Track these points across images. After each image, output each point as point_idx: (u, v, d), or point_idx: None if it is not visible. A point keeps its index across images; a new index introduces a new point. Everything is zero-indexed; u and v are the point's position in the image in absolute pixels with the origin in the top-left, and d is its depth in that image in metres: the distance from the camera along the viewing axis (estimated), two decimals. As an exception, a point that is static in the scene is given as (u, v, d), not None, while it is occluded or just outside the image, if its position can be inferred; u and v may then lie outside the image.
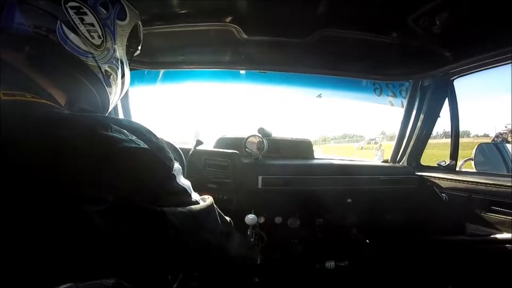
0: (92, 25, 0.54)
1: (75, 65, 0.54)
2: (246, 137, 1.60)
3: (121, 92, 0.70)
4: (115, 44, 0.60)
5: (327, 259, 1.66)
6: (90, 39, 0.54)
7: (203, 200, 0.65)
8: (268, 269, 1.46)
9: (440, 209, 1.53)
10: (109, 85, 0.61)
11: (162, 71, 1.75)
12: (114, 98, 0.67)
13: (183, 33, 1.29)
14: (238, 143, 1.62)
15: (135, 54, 0.76)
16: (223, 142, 1.79)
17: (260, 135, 1.58)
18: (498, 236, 1.24)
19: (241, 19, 1.22)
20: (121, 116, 1.63)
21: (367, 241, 1.77)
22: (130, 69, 1.60)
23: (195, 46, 1.47)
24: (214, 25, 1.24)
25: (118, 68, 0.63)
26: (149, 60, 1.59)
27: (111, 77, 0.61)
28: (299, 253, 1.64)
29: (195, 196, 0.61)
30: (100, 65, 0.57)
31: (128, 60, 0.70)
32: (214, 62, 1.66)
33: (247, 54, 1.53)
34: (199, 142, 1.45)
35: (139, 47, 0.76)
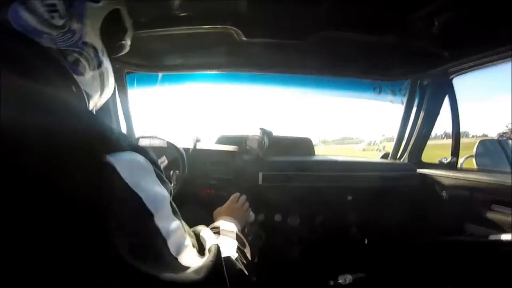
0: (53, 5, 0.47)
1: (30, 47, 0.46)
2: (246, 135, 1.62)
3: (103, 86, 0.60)
4: (83, 26, 0.52)
5: (333, 264, 1.67)
6: (49, 19, 0.47)
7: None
8: (266, 267, 1.47)
9: (441, 206, 1.53)
10: (78, 73, 0.52)
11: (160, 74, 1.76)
12: (93, 92, 0.57)
13: (182, 36, 1.29)
14: (239, 142, 1.63)
15: (124, 49, 0.68)
16: (224, 141, 1.81)
17: (260, 134, 1.59)
18: (499, 235, 1.24)
19: (241, 22, 1.23)
20: (121, 119, 1.66)
21: (366, 241, 1.76)
22: (128, 73, 1.50)
23: (195, 49, 1.48)
24: (213, 28, 1.25)
25: (89, 55, 0.54)
26: (149, 63, 1.59)
27: (81, 64, 0.53)
28: (298, 252, 1.65)
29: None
30: (61, 47, 0.49)
31: (115, 53, 0.64)
32: (214, 65, 1.66)
33: (247, 56, 1.54)
34: (197, 140, 1.48)
35: (126, 39, 0.67)
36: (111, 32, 0.59)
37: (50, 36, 0.48)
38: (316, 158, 1.81)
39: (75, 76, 0.51)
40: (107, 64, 0.60)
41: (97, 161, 0.33)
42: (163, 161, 1.26)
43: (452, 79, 1.61)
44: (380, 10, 1.14)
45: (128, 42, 0.68)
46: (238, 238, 0.67)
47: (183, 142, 1.46)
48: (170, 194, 0.43)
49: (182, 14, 1.18)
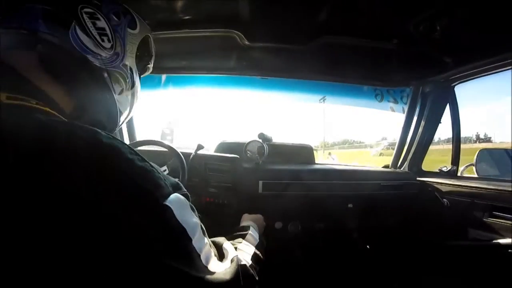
0: (103, 29, 0.55)
1: (82, 65, 0.53)
2: (246, 142, 1.61)
3: (132, 105, 0.68)
4: (124, 50, 0.60)
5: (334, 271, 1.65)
6: (100, 41, 0.55)
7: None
8: (268, 275, 1.45)
9: (442, 214, 1.52)
10: (116, 92, 0.60)
11: (164, 76, 1.76)
12: (124, 110, 0.65)
13: (186, 39, 1.30)
14: (239, 148, 1.62)
15: (149, 71, 0.77)
16: (224, 147, 1.79)
17: (260, 140, 1.58)
18: (501, 241, 1.23)
19: (244, 26, 1.24)
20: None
21: (368, 246, 1.76)
22: None
23: (198, 52, 1.49)
24: (217, 31, 1.26)
25: (127, 76, 0.61)
26: (153, 65, 1.59)
27: (120, 83, 0.60)
28: (300, 259, 1.63)
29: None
30: (108, 68, 0.56)
31: (139, 73, 0.70)
32: (217, 68, 1.67)
33: (249, 60, 1.54)
34: (199, 147, 1.46)
35: (151, 62, 0.76)
36: (143, 57, 0.70)
37: (101, 57, 0.55)
38: (316, 166, 1.79)
39: (115, 95, 0.59)
40: (138, 84, 0.68)
41: (158, 205, 0.44)
42: (164, 170, 1.24)
43: (454, 86, 1.62)
44: (382, 15, 1.14)
45: (151, 65, 0.78)
46: (257, 246, 0.80)
47: (184, 147, 1.44)
48: (199, 218, 0.53)
49: (186, 18, 1.19)
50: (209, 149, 1.77)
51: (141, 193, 0.43)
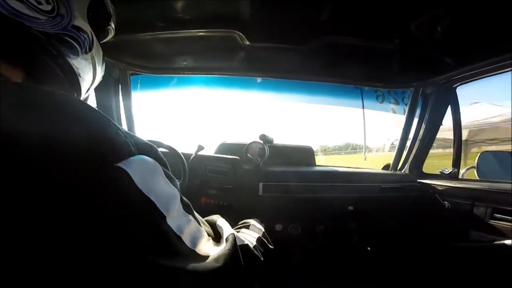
0: None
1: (20, 31, 0.45)
2: (247, 143, 1.60)
3: (95, 71, 0.62)
4: (71, 11, 0.52)
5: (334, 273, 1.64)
6: (37, 5, 0.46)
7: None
8: (268, 276, 1.44)
9: (443, 216, 1.52)
10: (71, 56, 0.53)
11: (164, 76, 1.76)
12: (85, 75, 0.59)
13: (187, 39, 1.30)
14: (239, 149, 1.61)
15: (110, 33, 0.70)
16: (224, 148, 1.79)
17: (261, 142, 1.58)
18: (502, 242, 1.23)
19: (244, 26, 1.23)
20: (123, 121, 1.65)
21: (368, 248, 1.75)
22: (133, 74, 1.52)
23: (199, 52, 1.49)
24: (217, 31, 1.26)
25: (80, 38, 0.54)
26: (153, 65, 1.61)
27: (72, 47, 0.53)
28: (300, 261, 1.62)
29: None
30: (52, 31, 0.49)
31: (102, 38, 0.65)
32: (217, 69, 1.67)
33: (250, 60, 1.54)
34: (200, 147, 1.45)
35: (111, 23, 0.69)
36: (97, 18, 0.60)
37: (41, 21, 0.47)
38: (316, 168, 1.79)
39: (70, 60, 0.52)
40: (97, 48, 0.61)
41: (110, 169, 0.34)
42: None
43: (455, 88, 1.61)
44: (383, 15, 1.14)
45: (113, 26, 0.69)
46: (264, 235, 0.70)
47: (185, 148, 1.43)
48: (179, 190, 0.43)
49: (187, 17, 1.18)
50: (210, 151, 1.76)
51: (88, 152, 0.34)
